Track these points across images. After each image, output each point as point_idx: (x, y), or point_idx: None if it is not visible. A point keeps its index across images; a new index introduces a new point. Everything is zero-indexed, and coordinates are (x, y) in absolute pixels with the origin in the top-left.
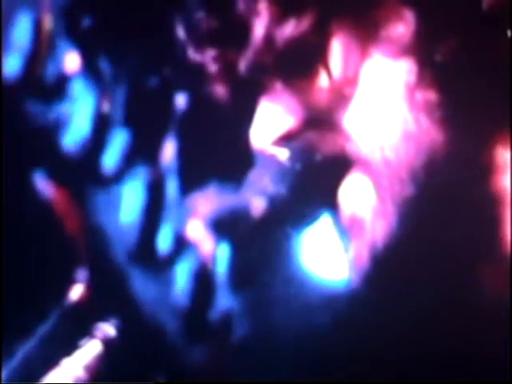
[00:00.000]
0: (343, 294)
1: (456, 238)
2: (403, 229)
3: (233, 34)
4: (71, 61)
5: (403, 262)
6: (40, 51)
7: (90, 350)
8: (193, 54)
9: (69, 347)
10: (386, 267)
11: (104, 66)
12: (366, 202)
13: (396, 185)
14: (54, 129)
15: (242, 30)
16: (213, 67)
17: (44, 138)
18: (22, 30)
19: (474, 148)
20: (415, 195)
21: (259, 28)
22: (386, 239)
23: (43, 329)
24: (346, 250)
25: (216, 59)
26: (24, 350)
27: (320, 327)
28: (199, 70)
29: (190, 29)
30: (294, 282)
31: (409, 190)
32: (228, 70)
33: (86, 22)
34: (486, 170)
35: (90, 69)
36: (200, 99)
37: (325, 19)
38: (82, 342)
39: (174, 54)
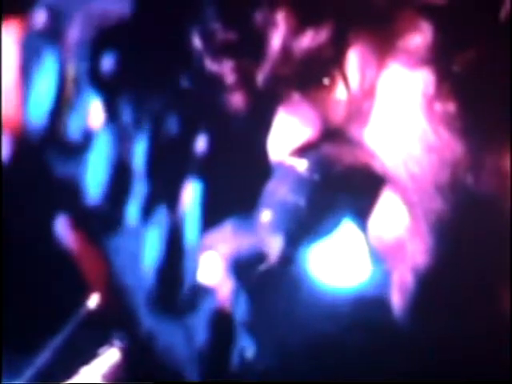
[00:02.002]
0: (382, 314)
1: (486, 251)
2: (439, 247)
3: (250, 45)
4: (95, 111)
5: (444, 282)
6: (64, 101)
7: (108, 358)
8: (210, 65)
9: (87, 355)
10: (431, 289)
11: (126, 112)
12: (399, 222)
13: (425, 200)
14: (76, 177)
15: (260, 41)
16: (230, 78)
17: (65, 186)
18: (45, 79)
19: (494, 158)
20: (443, 210)
21: (276, 39)
22: (425, 259)
23: (61, 337)
24: (385, 273)
25: (234, 70)
26: (42, 357)
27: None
28: (217, 80)
29: (207, 39)
30: (306, 291)
31: (437, 205)
32: (246, 81)
33: (107, 65)
34: (508, 180)
35: (112, 118)
36: (220, 137)
37: (342, 31)
38: (101, 350)
39: (191, 65)
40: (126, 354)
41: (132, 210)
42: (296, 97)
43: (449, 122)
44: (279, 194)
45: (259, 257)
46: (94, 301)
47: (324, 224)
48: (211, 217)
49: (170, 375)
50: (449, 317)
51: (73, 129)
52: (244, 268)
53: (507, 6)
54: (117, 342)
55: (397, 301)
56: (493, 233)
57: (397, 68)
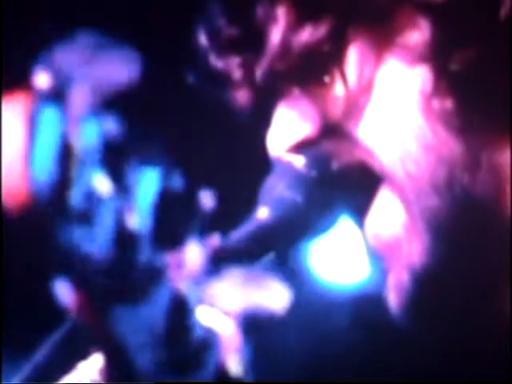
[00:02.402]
0: (379, 314)
1: (483, 250)
2: (435, 245)
3: (252, 40)
4: (99, 180)
5: (441, 281)
6: (69, 169)
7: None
8: (215, 61)
9: (85, 351)
10: (427, 288)
11: (129, 175)
12: (396, 221)
13: (421, 199)
14: (80, 243)
15: (261, 36)
16: (235, 75)
17: (69, 252)
18: (49, 146)
19: (492, 157)
20: (439, 208)
21: (276, 34)
22: (422, 258)
23: (59, 333)
24: (382, 271)
25: (238, 66)
26: (39, 353)
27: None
28: (223, 77)
29: (213, 36)
30: (306, 288)
31: (434, 203)
32: (249, 77)
33: (113, 130)
34: (506, 179)
35: (116, 183)
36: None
37: (341, 26)
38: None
39: (196, 62)
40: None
41: (137, 273)
42: (295, 92)
43: (446, 120)
44: (276, 190)
45: (268, 314)
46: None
47: (321, 221)
48: (213, 217)
49: None
50: (446, 316)
51: (78, 196)
52: (252, 325)
53: (507, 4)
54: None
55: (393, 299)
56: (490, 232)
57: (395, 65)
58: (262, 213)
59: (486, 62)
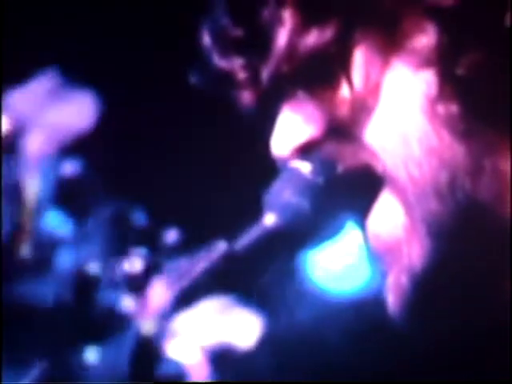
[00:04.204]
0: (378, 315)
1: (484, 255)
2: (436, 249)
3: (257, 42)
4: (57, 225)
5: (441, 284)
6: (25, 216)
7: None
8: (218, 61)
9: None
10: (426, 290)
11: (88, 219)
12: (396, 223)
13: (423, 202)
14: (35, 290)
15: (266, 38)
16: (240, 75)
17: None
18: (5, 196)
19: (494, 162)
20: (441, 211)
21: (282, 37)
22: (421, 261)
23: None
24: (381, 273)
25: (243, 68)
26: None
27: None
28: (226, 77)
29: (217, 36)
30: (306, 295)
31: (435, 207)
32: (254, 78)
33: (70, 175)
34: (508, 184)
35: (76, 226)
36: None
37: (347, 29)
38: None
39: (200, 62)
40: None
41: (100, 318)
42: (301, 94)
43: (450, 124)
44: (283, 196)
45: (238, 346)
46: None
47: (328, 227)
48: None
49: None
50: (445, 318)
51: (34, 243)
52: (222, 357)
53: None
54: None
55: (392, 302)
56: (491, 236)
57: (401, 68)
58: (269, 219)
59: (491, 66)
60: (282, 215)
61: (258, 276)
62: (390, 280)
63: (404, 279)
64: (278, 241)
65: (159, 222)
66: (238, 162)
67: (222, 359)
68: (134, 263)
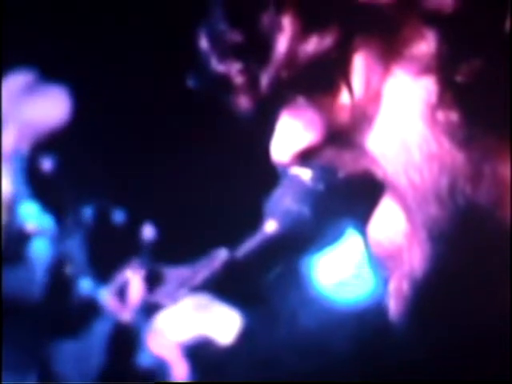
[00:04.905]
0: (378, 322)
1: (484, 260)
2: (436, 254)
3: (256, 48)
4: (32, 220)
5: (441, 289)
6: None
7: None
8: (216, 65)
9: None
10: (428, 296)
11: (67, 212)
12: (397, 229)
13: (423, 207)
14: (14, 290)
15: (265, 44)
16: (237, 80)
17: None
18: None
19: (494, 168)
20: (441, 217)
21: (282, 43)
22: (422, 266)
23: None
24: (383, 279)
25: (240, 72)
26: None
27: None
28: (223, 81)
29: (214, 41)
30: (309, 302)
31: (435, 213)
32: (252, 84)
33: (46, 169)
34: (508, 189)
35: (53, 219)
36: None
37: (348, 36)
38: None
39: (197, 65)
40: None
41: (76, 312)
42: (301, 101)
43: (450, 130)
44: (284, 203)
45: (212, 342)
46: None
47: (328, 234)
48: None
49: None
50: (446, 324)
51: (10, 238)
52: (198, 352)
53: None
54: None
55: (394, 307)
56: (491, 242)
57: (401, 75)
58: (270, 226)
59: (490, 73)
60: (282, 222)
61: (259, 283)
62: (392, 286)
63: (405, 285)
64: (279, 248)
65: (159, 231)
66: (238, 169)
67: (201, 355)
68: (111, 258)
